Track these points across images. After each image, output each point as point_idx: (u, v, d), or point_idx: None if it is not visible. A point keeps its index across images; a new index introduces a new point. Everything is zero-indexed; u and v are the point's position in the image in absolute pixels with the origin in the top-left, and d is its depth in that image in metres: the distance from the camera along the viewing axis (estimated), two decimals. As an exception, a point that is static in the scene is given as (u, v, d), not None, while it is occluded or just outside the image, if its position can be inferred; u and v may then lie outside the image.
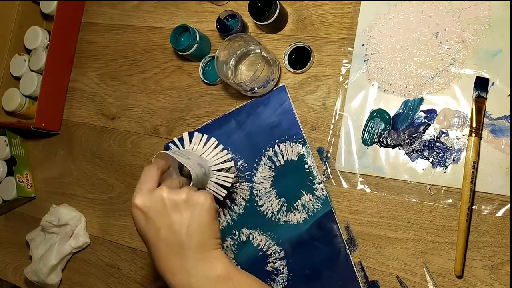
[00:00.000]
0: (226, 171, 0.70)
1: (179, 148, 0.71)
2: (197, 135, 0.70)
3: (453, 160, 0.62)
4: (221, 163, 0.69)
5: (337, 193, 0.68)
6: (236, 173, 0.73)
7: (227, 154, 0.70)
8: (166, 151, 0.63)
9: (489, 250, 0.60)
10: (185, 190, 0.53)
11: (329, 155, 0.69)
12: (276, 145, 0.72)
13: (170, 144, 0.72)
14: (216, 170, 0.68)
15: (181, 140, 0.72)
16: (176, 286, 0.51)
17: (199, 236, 0.51)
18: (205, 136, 0.70)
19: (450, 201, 0.62)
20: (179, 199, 0.52)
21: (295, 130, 0.71)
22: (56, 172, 0.92)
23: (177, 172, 0.66)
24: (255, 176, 0.73)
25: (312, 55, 0.72)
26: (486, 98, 0.62)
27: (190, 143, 0.70)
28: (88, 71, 0.92)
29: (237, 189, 0.73)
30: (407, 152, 0.65)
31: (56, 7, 0.89)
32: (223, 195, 0.68)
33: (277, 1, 0.71)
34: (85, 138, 0.90)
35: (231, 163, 0.71)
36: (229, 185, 0.68)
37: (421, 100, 0.65)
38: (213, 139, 0.70)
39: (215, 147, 0.70)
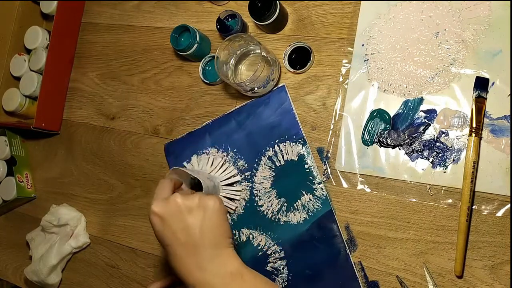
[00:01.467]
0: (233, 185, 0.74)
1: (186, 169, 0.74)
2: (204, 157, 0.76)
3: (453, 160, 0.62)
4: (228, 178, 0.73)
5: (337, 193, 0.68)
6: (242, 184, 0.74)
7: (232, 170, 0.74)
8: (177, 167, 0.68)
9: (489, 250, 0.60)
10: (196, 195, 0.57)
11: (329, 155, 0.69)
12: (276, 145, 0.72)
13: (180, 167, 0.75)
14: (225, 185, 0.73)
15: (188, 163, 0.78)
16: (193, 284, 0.55)
17: (211, 235, 0.56)
18: (212, 157, 0.75)
19: (450, 201, 0.62)
20: (192, 203, 0.56)
21: (295, 130, 0.71)
22: (56, 172, 0.92)
23: (189, 189, 0.71)
24: (255, 176, 0.73)
25: (312, 55, 0.72)
26: (486, 98, 0.62)
27: (198, 165, 0.76)
28: (88, 71, 0.92)
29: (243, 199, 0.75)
30: (407, 152, 0.65)
31: (56, 7, 0.89)
32: (234, 208, 0.73)
33: (277, 1, 0.71)
34: (85, 138, 0.90)
35: (238, 178, 0.74)
36: (238, 198, 0.73)
37: (421, 100, 0.65)
38: (218, 159, 0.75)
39: (222, 165, 0.74)
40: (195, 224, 0.55)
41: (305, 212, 0.69)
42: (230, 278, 0.55)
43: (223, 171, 0.74)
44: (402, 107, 0.66)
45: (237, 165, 0.75)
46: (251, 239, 0.72)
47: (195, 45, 0.76)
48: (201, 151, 0.78)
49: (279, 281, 0.69)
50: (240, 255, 0.72)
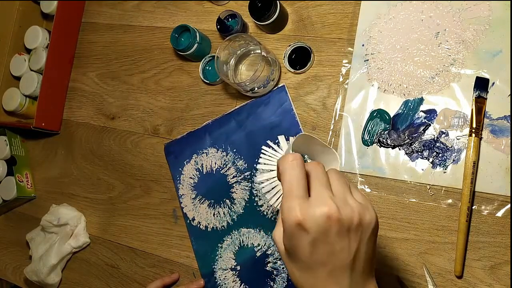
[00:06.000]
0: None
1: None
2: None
3: (453, 160, 0.62)
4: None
5: (337, 193, 0.68)
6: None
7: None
8: (307, 134, 0.55)
9: (489, 250, 0.60)
10: (356, 208, 0.43)
11: (329, 155, 0.69)
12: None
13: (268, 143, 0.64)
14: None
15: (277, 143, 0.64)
16: None
17: (364, 263, 0.44)
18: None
19: (450, 201, 0.62)
20: (350, 220, 0.42)
21: (295, 130, 0.71)
22: (56, 172, 0.92)
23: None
24: (255, 176, 0.73)
25: (312, 55, 0.72)
26: (486, 98, 0.62)
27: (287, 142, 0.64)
28: (88, 71, 0.92)
29: None
30: (407, 152, 0.65)
31: (56, 7, 0.89)
32: None
33: (277, 1, 0.71)
34: (85, 138, 0.90)
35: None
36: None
37: (421, 100, 0.65)
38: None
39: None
40: (350, 248, 0.43)
41: (305, 212, 0.69)
42: None
43: None
44: (402, 107, 0.66)
45: (237, 165, 0.75)
46: (250, 239, 0.72)
47: (195, 45, 0.76)
48: (201, 151, 0.78)
49: (279, 281, 0.70)
50: (240, 255, 0.73)
